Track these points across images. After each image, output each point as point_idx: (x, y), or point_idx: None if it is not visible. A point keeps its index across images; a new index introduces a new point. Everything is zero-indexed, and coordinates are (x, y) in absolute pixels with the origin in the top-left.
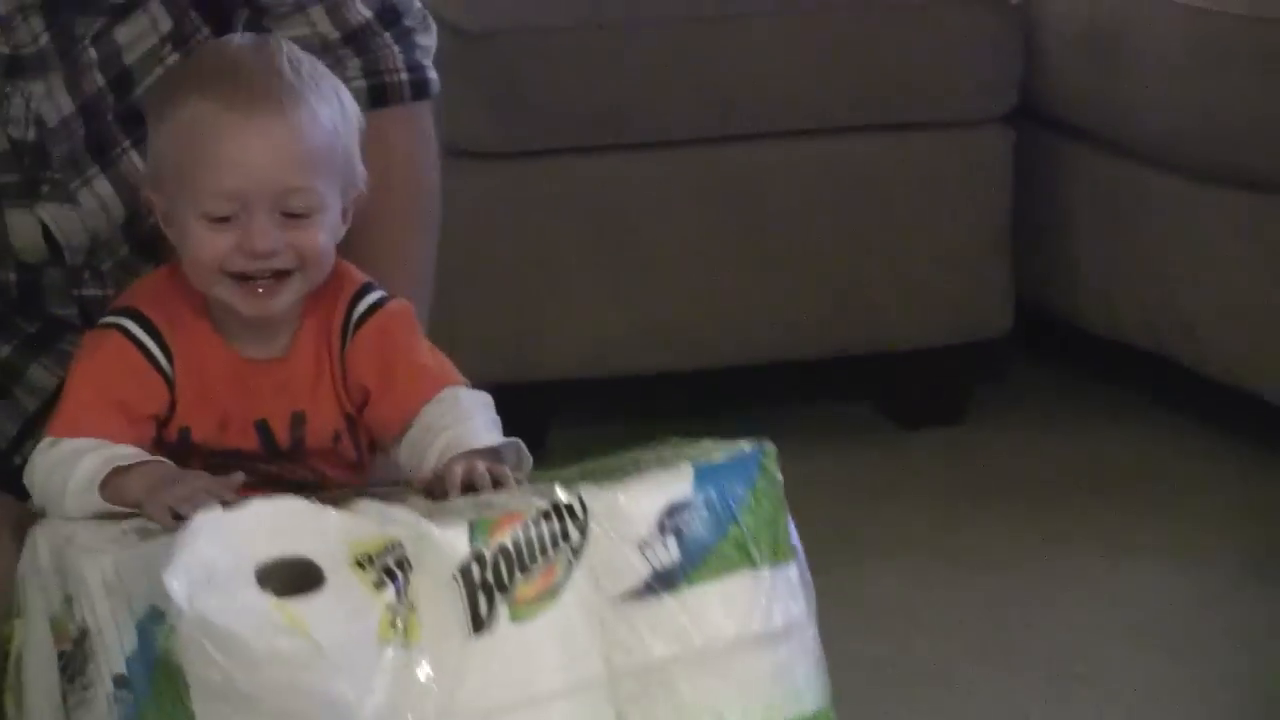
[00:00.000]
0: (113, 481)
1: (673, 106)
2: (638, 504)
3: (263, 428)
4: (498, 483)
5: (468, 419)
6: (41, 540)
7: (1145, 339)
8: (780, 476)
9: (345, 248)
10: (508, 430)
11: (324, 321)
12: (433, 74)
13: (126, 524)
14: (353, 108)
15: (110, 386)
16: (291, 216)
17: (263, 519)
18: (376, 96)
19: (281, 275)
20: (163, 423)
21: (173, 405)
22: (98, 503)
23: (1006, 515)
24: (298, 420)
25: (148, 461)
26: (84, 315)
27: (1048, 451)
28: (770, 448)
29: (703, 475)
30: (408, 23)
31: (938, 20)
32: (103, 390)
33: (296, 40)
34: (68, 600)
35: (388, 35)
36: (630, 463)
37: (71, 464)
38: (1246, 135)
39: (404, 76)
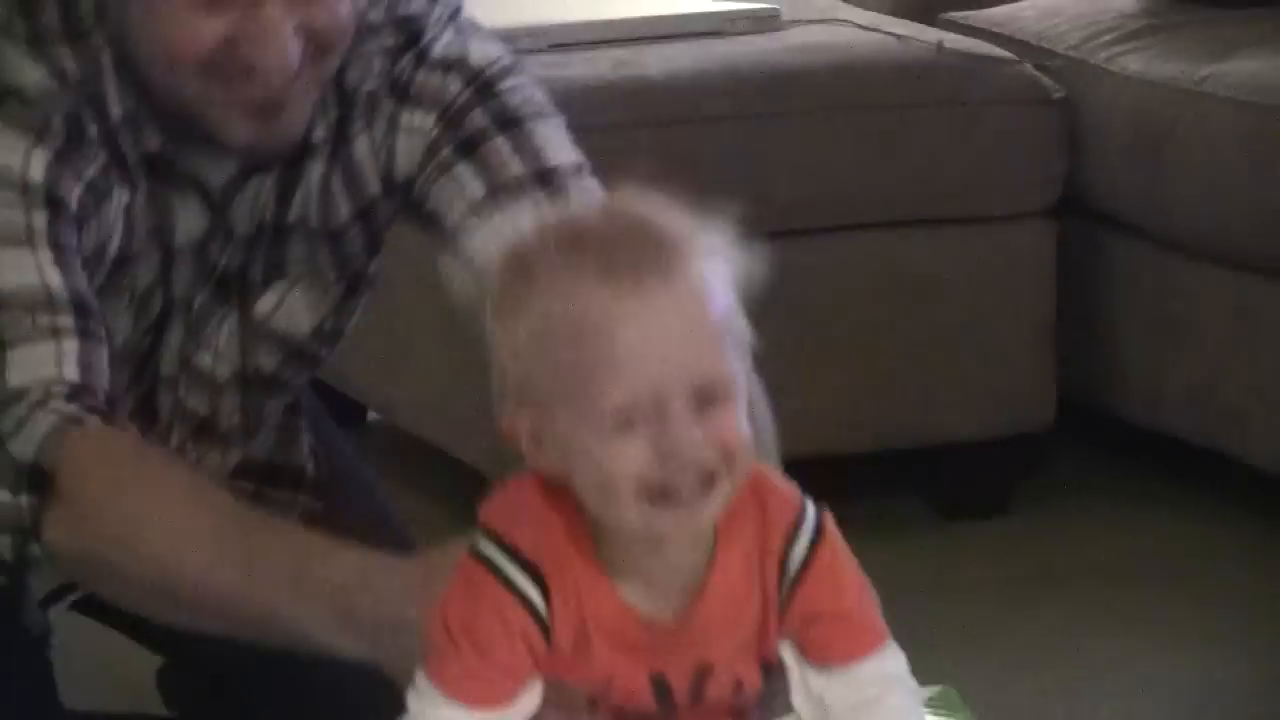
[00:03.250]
0: None
1: (716, 200)
2: None
3: (659, 684)
4: None
5: None
6: None
7: (1190, 430)
8: None
9: None
10: None
11: (747, 553)
12: None
13: None
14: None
15: (497, 652)
16: (707, 404)
17: None
18: None
19: (708, 477)
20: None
21: (550, 657)
22: None
23: (1053, 607)
24: (701, 674)
25: None
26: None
27: (1093, 543)
28: None
29: None
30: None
31: (981, 115)
32: (491, 656)
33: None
34: None
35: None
36: None
37: None
38: None
39: None
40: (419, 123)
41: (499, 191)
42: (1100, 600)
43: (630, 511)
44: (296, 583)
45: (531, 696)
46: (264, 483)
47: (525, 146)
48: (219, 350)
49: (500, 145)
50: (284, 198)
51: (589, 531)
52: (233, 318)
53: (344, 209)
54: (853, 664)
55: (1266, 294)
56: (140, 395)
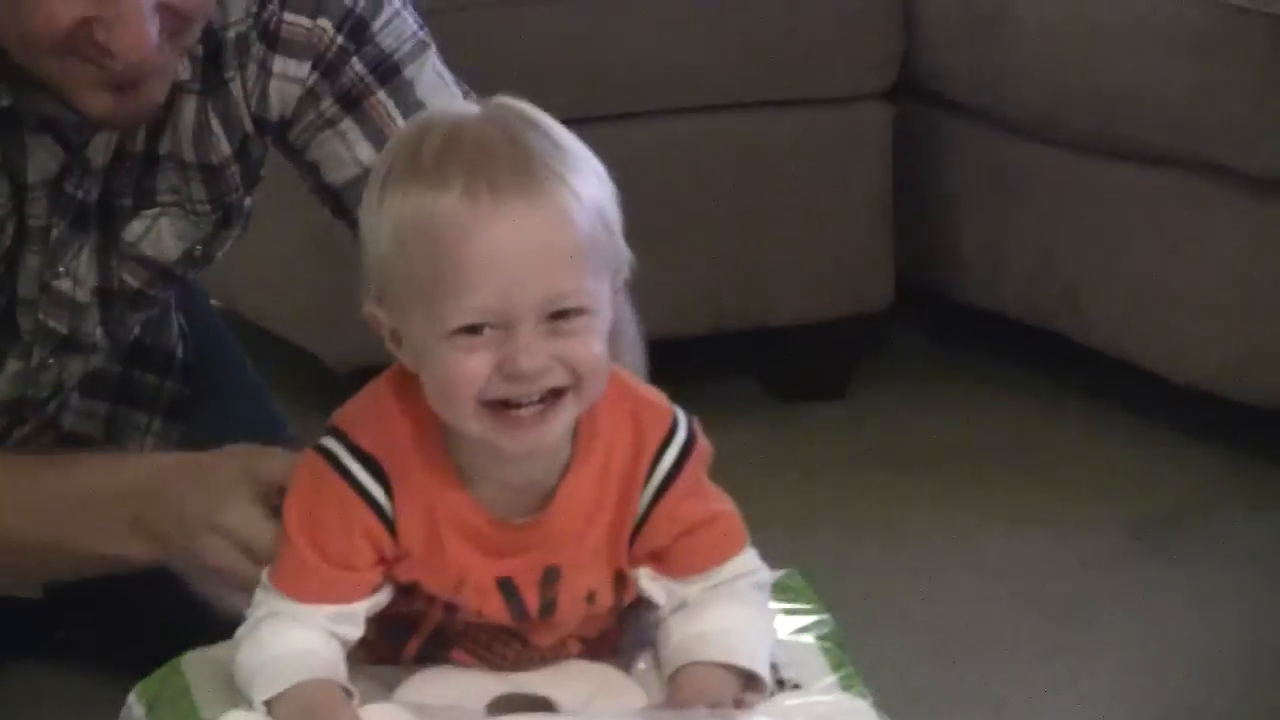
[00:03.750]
0: (286, 698)
1: (553, 84)
2: None
3: (508, 587)
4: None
5: (739, 635)
6: None
7: (1025, 310)
8: None
9: None
10: None
11: (607, 464)
12: None
13: None
14: (605, 175)
15: (333, 546)
16: (559, 322)
17: None
18: None
19: (552, 397)
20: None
21: (399, 556)
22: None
23: (892, 488)
24: (550, 576)
25: (333, 702)
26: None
27: (930, 423)
28: None
29: None
30: None
31: None
32: (326, 551)
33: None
34: None
35: None
36: None
37: (270, 649)
38: (1125, 106)
39: None
40: (294, 71)
41: None
42: (939, 480)
43: (471, 422)
44: (76, 507)
45: (378, 598)
46: (132, 365)
47: (408, 100)
48: (78, 276)
49: (383, 100)
50: (154, 131)
51: (442, 436)
52: (92, 244)
53: (224, 145)
54: (722, 566)
55: (1101, 174)
56: None
